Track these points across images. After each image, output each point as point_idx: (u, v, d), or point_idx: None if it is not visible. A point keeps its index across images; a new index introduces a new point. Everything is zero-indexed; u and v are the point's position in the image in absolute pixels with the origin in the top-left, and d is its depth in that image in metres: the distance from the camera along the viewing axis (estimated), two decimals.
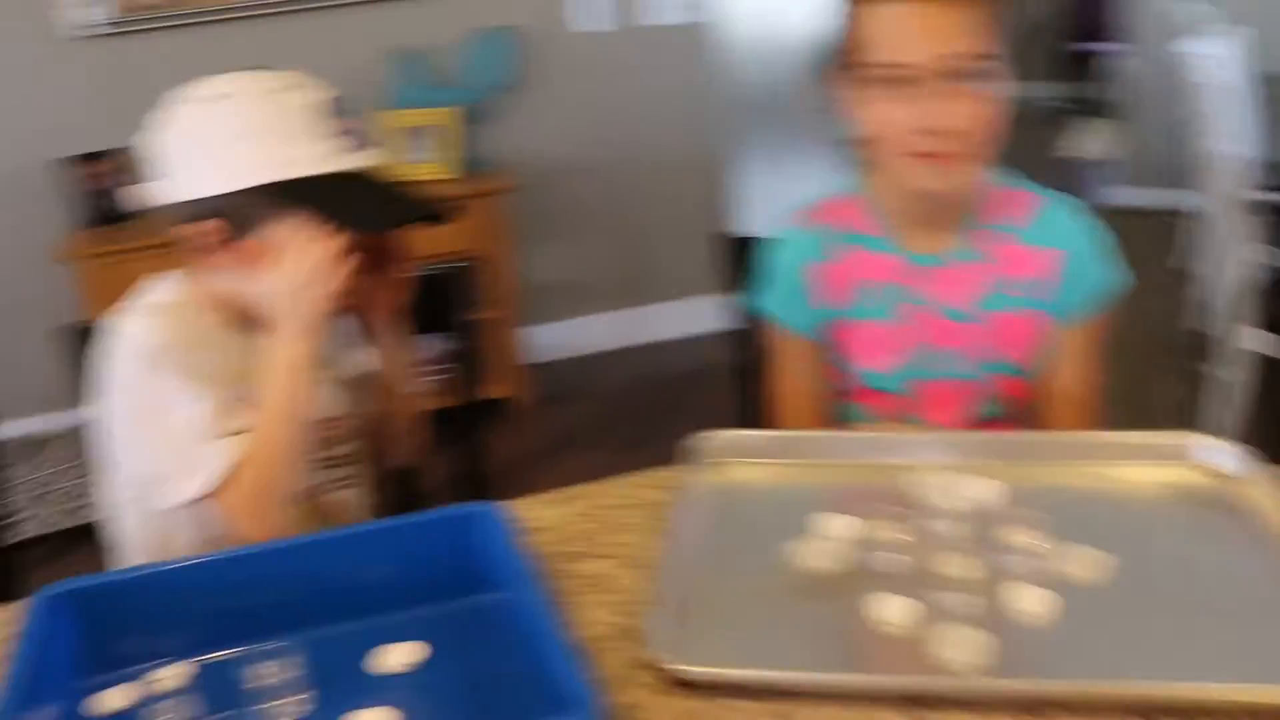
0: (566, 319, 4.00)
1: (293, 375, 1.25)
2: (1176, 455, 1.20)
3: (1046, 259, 1.41)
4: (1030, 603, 0.99)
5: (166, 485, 1.24)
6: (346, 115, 1.31)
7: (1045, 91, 8.35)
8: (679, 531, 1.11)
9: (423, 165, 3.57)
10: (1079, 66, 7.86)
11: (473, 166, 3.66)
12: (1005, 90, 1.31)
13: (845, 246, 1.45)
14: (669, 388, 3.69)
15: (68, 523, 3.10)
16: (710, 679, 0.92)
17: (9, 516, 1.62)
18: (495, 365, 3.68)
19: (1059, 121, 7.80)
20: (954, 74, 1.27)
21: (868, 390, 1.47)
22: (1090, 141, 7.08)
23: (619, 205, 3.96)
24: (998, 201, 1.43)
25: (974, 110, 1.29)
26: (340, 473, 1.44)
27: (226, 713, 0.89)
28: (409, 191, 1.34)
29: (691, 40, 3.85)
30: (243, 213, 1.26)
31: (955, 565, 1.02)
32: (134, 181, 3.41)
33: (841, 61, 1.35)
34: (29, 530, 2.98)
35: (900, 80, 1.28)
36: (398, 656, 0.98)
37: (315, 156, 1.26)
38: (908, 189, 1.37)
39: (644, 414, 3.54)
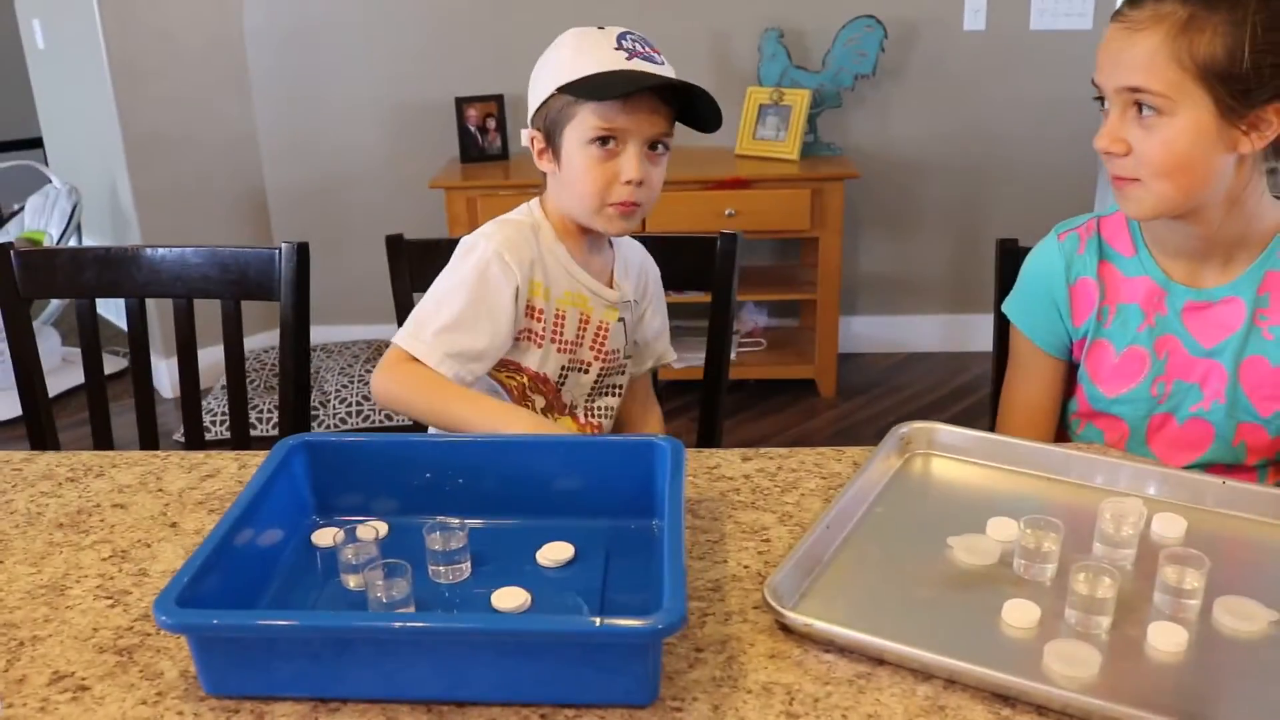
0: (888, 314, 4.00)
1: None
2: None
3: None
4: (1162, 638, 0.97)
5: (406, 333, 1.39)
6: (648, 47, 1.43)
7: None
8: (845, 503, 1.16)
9: (769, 143, 3.68)
10: None
11: (817, 151, 3.72)
12: (1190, 126, 1.25)
13: (1104, 266, 1.43)
14: (973, 396, 3.64)
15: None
16: (805, 628, 0.97)
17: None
18: (809, 348, 3.76)
19: None
20: (1131, 103, 1.27)
21: (1100, 413, 1.44)
22: None
23: (961, 209, 3.92)
24: (1277, 240, 1.36)
25: (1145, 142, 1.27)
26: (608, 399, 1.57)
27: (401, 561, 1.03)
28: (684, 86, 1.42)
29: (1068, 47, 3.74)
30: (550, 119, 1.41)
31: (1103, 588, 1.01)
32: (507, 124, 3.72)
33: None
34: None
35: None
36: (550, 553, 1.09)
37: (602, 63, 1.37)
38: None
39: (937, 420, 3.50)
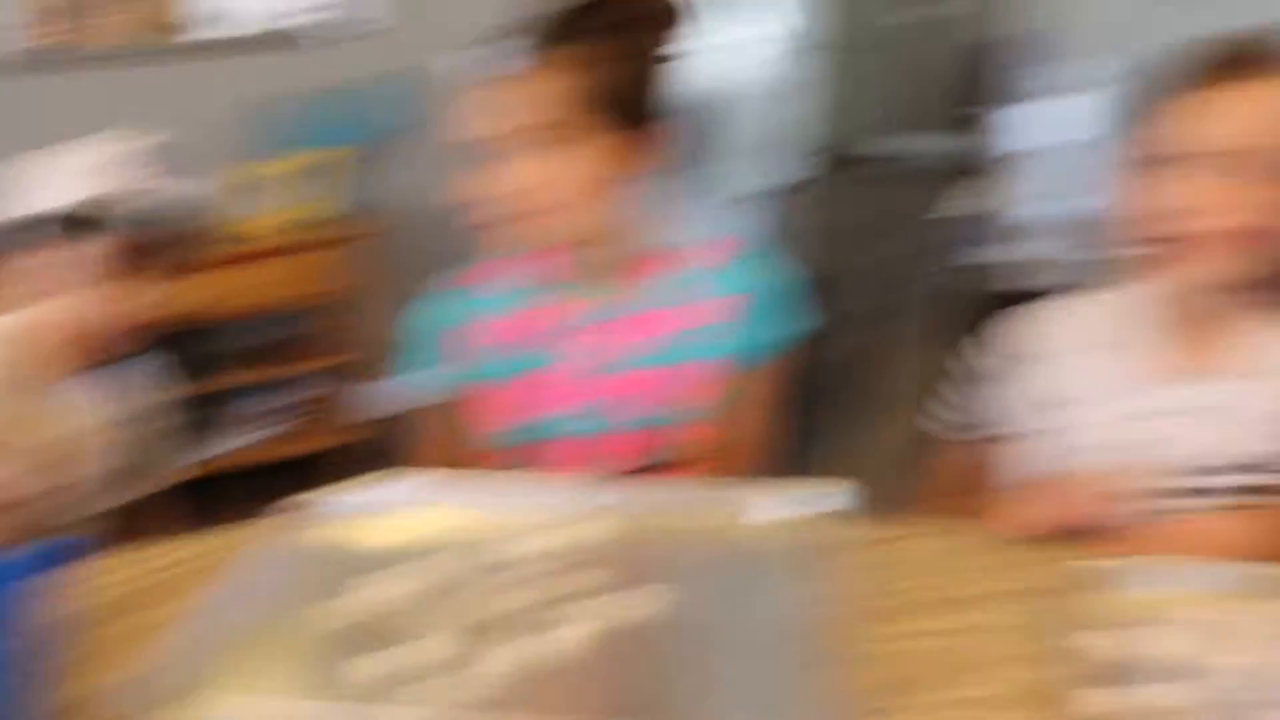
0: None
1: None
2: (798, 502, 1.21)
3: (706, 307, 1.45)
4: (558, 642, 1.03)
5: None
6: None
7: (938, 148, 8.38)
8: (220, 590, 1.13)
9: (303, 206, 3.63)
10: (968, 125, 7.91)
11: (348, 211, 3.71)
12: (590, 154, 1.37)
13: (485, 308, 1.51)
14: None
15: None
16: None
17: None
18: (344, 415, 3.69)
19: (950, 179, 7.88)
20: (527, 142, 1.35)
21: (537, 443, 1.50)
22: (967, 200, 7.13)
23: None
24: (666, 255, 1.47)
25: (548, 173, 1.35)
26: None
27: None
28: None
29: None
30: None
31: (495, 605, 1.07)
32: None
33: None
34: None
35: (482, 149, 1.38)
36: None
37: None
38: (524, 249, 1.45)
39: None
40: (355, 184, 3.74)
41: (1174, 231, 1.22)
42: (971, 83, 8.01)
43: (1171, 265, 1.25)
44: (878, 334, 4.82)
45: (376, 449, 3.60)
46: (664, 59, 1.41)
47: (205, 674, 1.01)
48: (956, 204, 6.97)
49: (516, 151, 1.35)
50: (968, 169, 7.91)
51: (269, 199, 3.68)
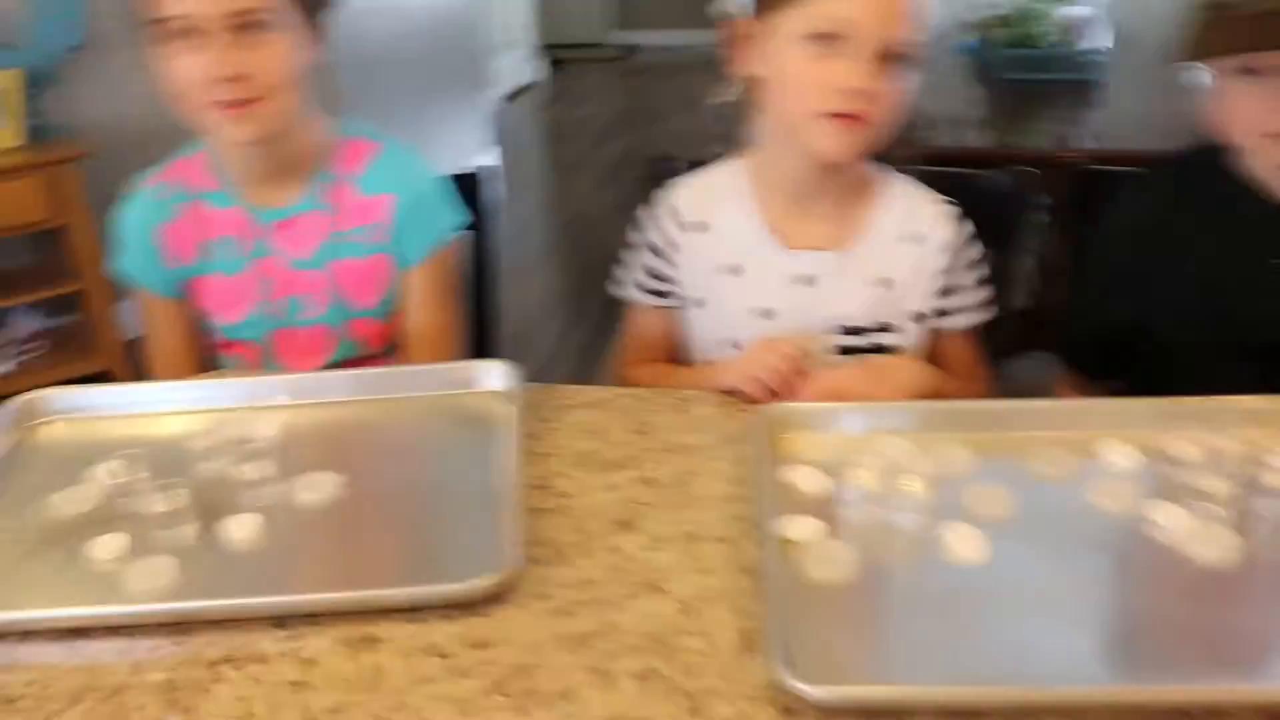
0: None
1: None
2: (461, 382, 1.30)
3: (381, 204, 1.48)
4: (239, 529, 1.06)
5: None
6: None
7: (701, 39, 8.62)
8: None
9: None
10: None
11: (44, 135, 3.51)
12: (298, 41, 1.37)
13: (192, 205, 1.49)
14: None
15: None
16: None
17: None
18: (89, 341, 3.58)
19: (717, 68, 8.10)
20: (242, 25, 1.32)
21: (229, 342, 1.52)
22: (730, 88, 7.36)
23: None
24: (337, 151, 1.49)
25: (266, 58, 1.34)
26: None
27: None
28: None
29: None
30: None
31: (176, 500, 1.07)
32: None
33: (142, 18, 1.37)
34: None
35: (190, 32, 1.32)
36: None
37: None
38: (226, 142, 1.41)
39: None
40: (34, 108, 3.51)
41: (835, 107, 1.27)
42: None
43: (810, 141, 1.30)
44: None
45: (136, 369, 3.53)
46: None
47: None
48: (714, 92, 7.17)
49: (226, 37, 1.32)
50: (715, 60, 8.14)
51: None
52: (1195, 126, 1.39)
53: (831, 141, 1.29)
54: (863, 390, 1.25)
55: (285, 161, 1.46)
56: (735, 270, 1.42)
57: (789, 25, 1.28)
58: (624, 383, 1.49)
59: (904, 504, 1.05)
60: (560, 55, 8.40)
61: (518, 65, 7.48)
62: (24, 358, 3.56)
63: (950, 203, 1.41)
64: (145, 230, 1.49)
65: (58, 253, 3.63)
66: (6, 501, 1.14)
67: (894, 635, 0.94)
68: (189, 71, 1.33)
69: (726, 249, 1.43)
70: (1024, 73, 2.97)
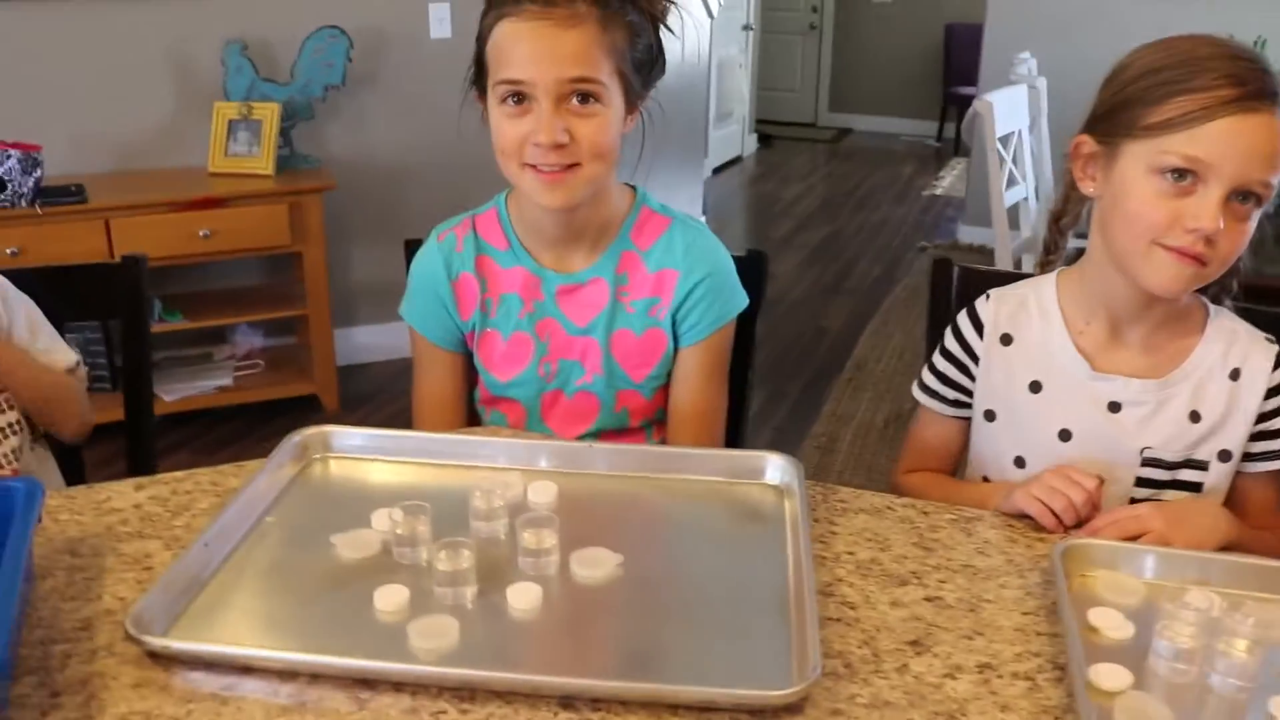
0: (386, 321, 4.01)
1: None
2: (744, 471, 1.28)
3: (664, 280, 1.48)
4: (519, 597, 1.05)
5: None
6: None
7: (923, 130, 8.62)
8: (229, 517, 1.15)
9: (242, 159, 3.58)
10: (953, 109, 8.13)
11: (294, 164, 3.68)
12: (617, 115, 1.38)
13: (480, 260, 1.51)
14: None
15: None
16: (164, 650, 0.96)
17: None
18: (305, 364, 3.71)
19: (934, 159, 8.06)
20: (573, 94, 1.34)
21: (499, 398, 1.53)
22: (949, 180, 7.30)
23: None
24: (632, 223, 1.50)
25: (591, 129, 1.35)
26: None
27: None
28: None
29: None
30: None
31: (462, 560, 1.07)
32: None
33: (477, 78, 1.41)
34: None
35: (524, 96, 1.34)
36: None
37: None
38: (528, 202, 1.43)
39: None
40: (290, 139, 3.68)
41: (1176, 243, 1.22)
42: (947, 65, 8.21)
43: (1143, 272, 1.26)
44: (853, 308, 4.86)
45: (346, 396, 3.65)
46: (661, 23, 1.43)
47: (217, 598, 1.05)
48: (934, 183, 7.12)
49: (557, 104, 1.34)
50: (943, 151, 8.11)
51: (219, 146, 3.62)
52: None
53: (1166, 277, 1.24)
54: (1161, 531, 1.18)
55: (583, 228, 1.47)
56: (1036, 387, 1.37)
57: (1139, 156, 1.23)
58: (897, 487, 1.46)
59: (1222, 666, 0.97)
60: (770, 131, 8.46)
61: (730, 137, 7.55)
62: (241, 373, 3.71)
63: (1272, 340, 1.33)
64: (433, 282, 1.52)
65: (288, 277, 3.79)
66: (291, 536, 1.16)
67: None
68: (516, 132, 1.36)
69: (1031, 365, 1.38)
70: None
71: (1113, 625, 1.04)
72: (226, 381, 3.63)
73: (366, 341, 4.02)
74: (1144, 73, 1.26)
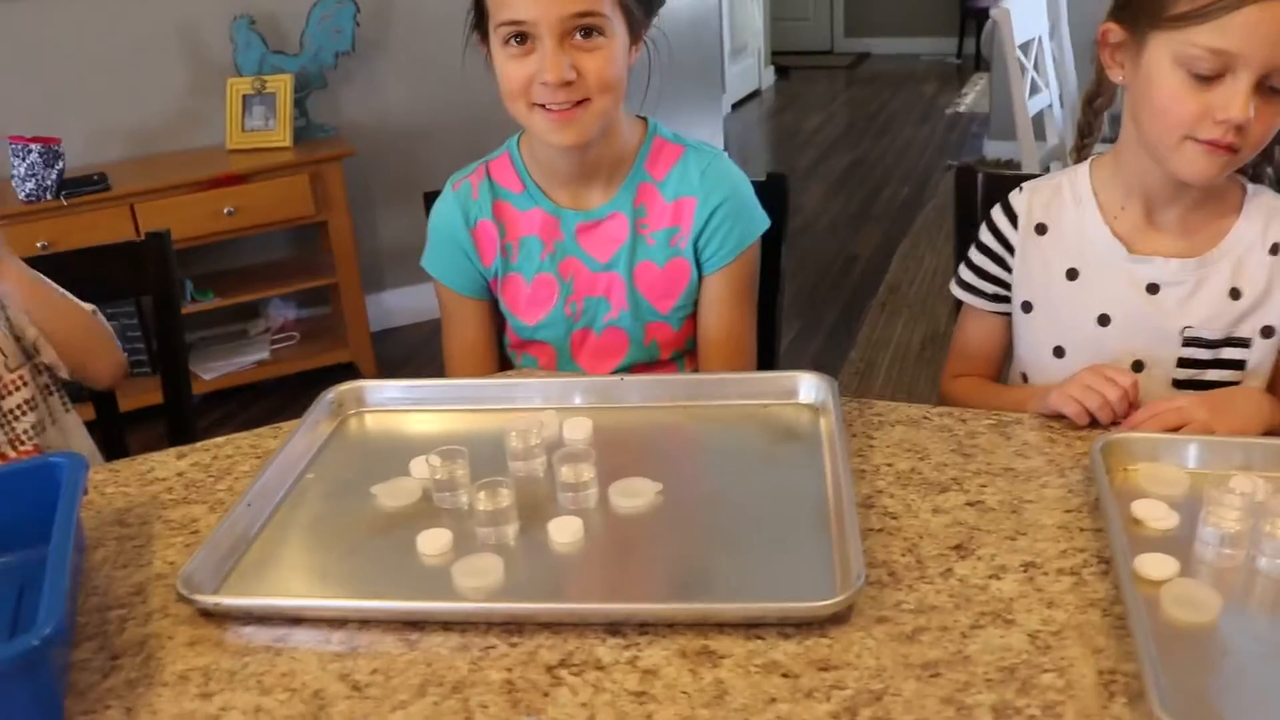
0: (416, 283, 4.02)
1: None
2: (779, 392, 1.27)
3: (682, 208, 1.47)
4: (560, 531, 1.05)
5: None
6: None
7: (943, 48, 8.49)
8: (269, 477, 1.16)
9: (260, 133, 3.59)
10: (972, 24, 8.00)
11: (311, 134, 3.68)
12: (622, 46, 1.37)
13: (497, 205, 1.51)
14: None
15: None
16: (215, 608, 0.98)
17: None
18: (340, 332, 3.73)
19: (955, 76, 7.94)
20: (575, 29, 1.33)
21: (528, 341, 1.53)
22: (972, 96, 7.19)
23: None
24: (646, 156, 1.49)
25: (596, 63, 1.34)
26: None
27: None
28: None
29: None
30: None
31: (498, 499, 1.08)
32: None
33: (478, 22, 1.40)
34: None
35: (525, 36, 1.33)
36: None
37: None
38: (540, 143, 1.43)
39: None
40: (305, 109, 3.68)
41: (1207, 135, 1.20)
42: None
43: (1175, 163, 1.24)
44: (883, 233, 4.82)
45: (383, 361, 3.68)
46: None
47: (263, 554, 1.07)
48: (957, 101, 7.03)
49: (559, 41, 1.33)
50: (964, 67, 8.00)
51: (234, 122, 3.63)
52: None
53: (1199, 168, 1.22)
54: (1202, 421, 1.17)
55: (597, 165, 1.46)
56: (1073, 275, 1.37)
57: (1164, 46, 1.21)
58: (943, 395, 1.47)
59: (1269, 548, 0.96)
60: (788, 63, 8.36)
61: (746, 72, 7.47)
62: (277, 346, 3.73)
63: None
64: (451, 231, 1.52)
65: (314, 247, 3.81)
66: (332, 490, 1.17)
67: (1266, 685, 0.86)
68: (521, 73, 1.35)
69: (1066, 252, 1.37)
70: None
71: (1157, 516, 1.03)
72: (264, 356, 3.65)
73: (397, 305, 4.04)
74: None
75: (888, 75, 8.22)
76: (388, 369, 3.72)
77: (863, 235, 4.79)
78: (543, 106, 1.36)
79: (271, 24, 3.68)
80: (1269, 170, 1.37)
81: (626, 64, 1.40)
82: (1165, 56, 1.21)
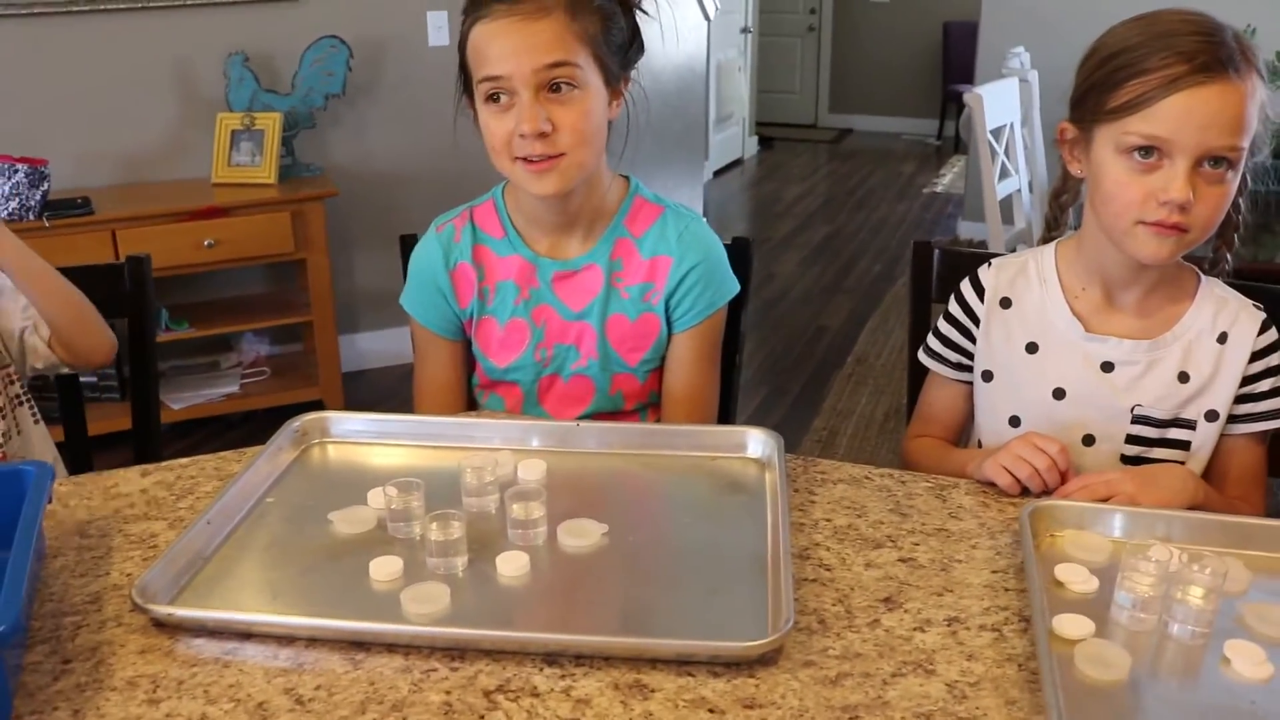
0: (390, 327, 4.06)
1: None
2: (726, 446, 1.32)
3: (658, 266, 1.53)
4: (507, 565, 1.09)
5: None
6: None
7: (924, 129, 8.65)
8: (229, 498, 1.20)
9: (245, 169, 3.64)
10: (953, 107, 8.17)
11: (296, 172, 3.73)
12: (600, 99, 1.43)
13: (478, 250, 1.56)
14: None
15: None
16: (168, 618, 1.01)
17: None
18: (312, 370, 3.76)
19: (935, 156, 8.09)
20: (550, 82, 1.39)
21: (497, 382, 1.58)
22: (949, 177, 7.33)
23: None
24: (626, 211, 1.55)
25: (571, 116, 1.40)
26: None
27: None
28: None
29: None
30: None
31: (452, 531, 1.12)
32: None
33: (465, 85, 1.46)
34: None
35: (504, 91, 1.39)
36: None
37: None
38: (523, 192, 1.48)
39: None
40: (293, 148, 3.74)
41: (1153, 218, 1.27)
42: (936, 65, 8.27)
43: (1129, 246, 1.31)
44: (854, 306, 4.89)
45: (351, 402, 3.70)
46: (634, 7, 1.49)
47: (218, 571, 1.11)
48: (935, 181, 7.16)
49: (535, 95, 1.39)
50: (943, 149, 8.15)
51: (222, 157, 3.67)
52: None
53: (1150, 249, 1.30)
54: (1129, 494, 1.22)
55: (577, 215, 1.52)
56: (1033, 348, 1.43)
57: (1108, 138, 1.29)
58: (903, 452, 1.54)
59: (1180, 614, 1.01)
60: (772, 134, 8.50)
61: (731, 140, 7.59)
62: (247, 380, 3.76)
63: (1259, 307, 1.39)
64: (432, 272, 1.57)
65: (291, 284, 3.84)
66: (291, 514, 1.21)
67: None
68: (503, 128, 1.41)
69: (1028, 327, 1.44)
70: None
71: (1078, 580, 1.08)
72: (234, 389, 3.68)
73: (369, 347, 4.08)
74: (1105, 58, 1.32)
75: (869, 152, 8.37)
76: (356, 410, 3.73)
77: (834, 306, 4.87)
78: (524, 159, 1.41)
79: (265, 63, 3.75)
80: (1228, 256, 1.44)
81: (605, 117, 1.45)
82: (1109, 147, 1.29)
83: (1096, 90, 1.31)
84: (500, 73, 1.38)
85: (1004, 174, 3.54)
